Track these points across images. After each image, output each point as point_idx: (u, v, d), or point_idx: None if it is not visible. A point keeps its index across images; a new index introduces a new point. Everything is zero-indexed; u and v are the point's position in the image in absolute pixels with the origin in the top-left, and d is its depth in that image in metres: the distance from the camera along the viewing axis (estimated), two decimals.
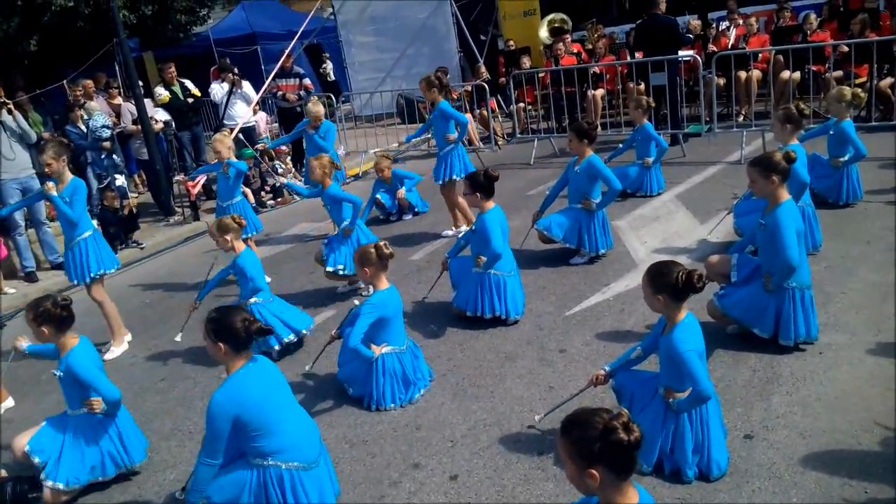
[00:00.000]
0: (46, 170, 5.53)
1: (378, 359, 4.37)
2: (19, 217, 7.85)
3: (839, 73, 9.82)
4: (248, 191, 9.87)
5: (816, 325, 4.47)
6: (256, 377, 3.25)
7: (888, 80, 9.43)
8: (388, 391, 4.42)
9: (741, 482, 3.39)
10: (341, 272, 6.08)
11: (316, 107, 8.21)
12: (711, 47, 11.41)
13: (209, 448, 3.18)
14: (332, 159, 6.43)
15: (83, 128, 9.46)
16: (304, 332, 5.32)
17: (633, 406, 3.68)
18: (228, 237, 5.16)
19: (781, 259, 4.27)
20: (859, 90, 6.85)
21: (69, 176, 5.60)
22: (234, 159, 6.83)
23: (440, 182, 7.37)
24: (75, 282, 5.74)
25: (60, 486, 3.84)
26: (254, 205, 10.19)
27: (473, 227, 5.41)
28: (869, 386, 3.99)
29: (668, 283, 3.31)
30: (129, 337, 6.10)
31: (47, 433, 3.94)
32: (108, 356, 5.80)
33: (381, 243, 4.45)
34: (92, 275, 5.66)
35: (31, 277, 7.97)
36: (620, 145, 8.72)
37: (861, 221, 6.34)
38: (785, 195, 4.37)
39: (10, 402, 5.23)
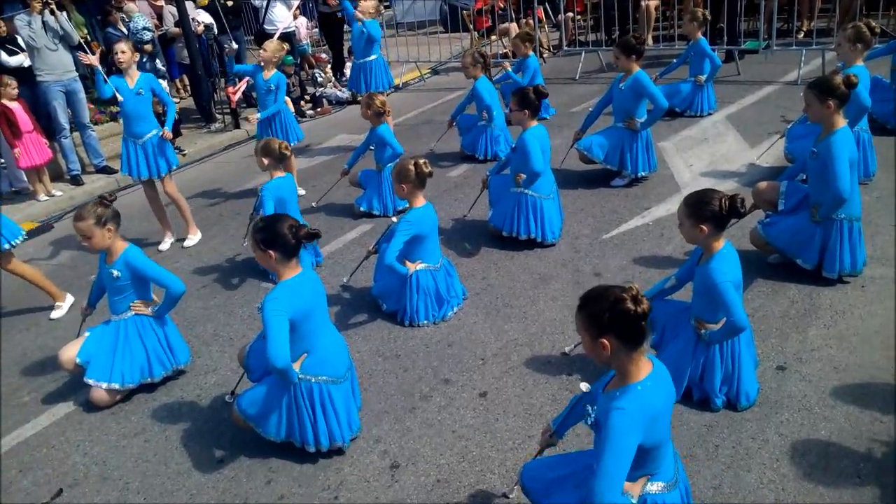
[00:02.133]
0: (120, 60, 5.66)
1: (412, 276, 4.41)
2: (64, 120, 7.93)
3: None
4: (288, 99, 9.79)
5: (864, 258, 4.35)
6: (305, 287, 3.32)
7: None
8: (421, 308, 4.48)
9: (770, 413, 3.40)
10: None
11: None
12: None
13: (273, 347, 3.12)
14: (384, 100, 6.30)
15: (124, 30, 9.39)
16: None
17: (664, 335, 3.67)
18: (266, 161, 5.12)
19: (832, 190, 4.11)
20: None
21: (136, 72, 5.83)
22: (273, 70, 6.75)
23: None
24: (146, 177, 5.95)
25: (116, 385, 4.01)
26: (294, 114, 10.18)
27: (514, 146, 5.31)
28: None
29: (712, 212, 3.20)
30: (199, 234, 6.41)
31: (93, 341, 4.09)
32: (187, 243, 6.25)
33: (422, 161, 4.40)
34: (171, 168, 6.01)
35: (76, 180, 8.13)
36: (674, 61, 8.36)
37: None
38: (841, 122, 4.16)
39: (69, 300, 5.44)
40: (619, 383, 2.31)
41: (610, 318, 2.21)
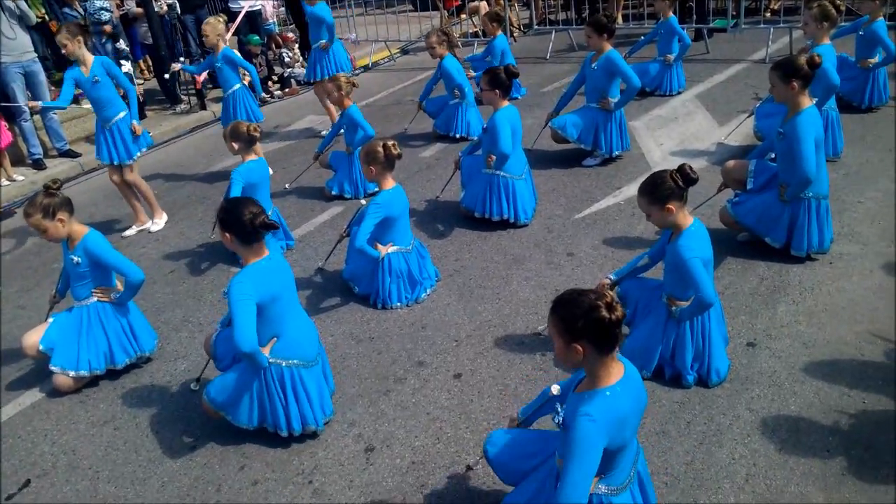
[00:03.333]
0: (63, 52, 5.51)
1: (384, 258, 4.37)
2: (23, 102, 7.70)
3: None
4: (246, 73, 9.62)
5: (831, 235, 4.41)
6: (272, 271, 3.26)
7: None
8: (393, 290, 4.45)
9: (741, 389, 3.44)
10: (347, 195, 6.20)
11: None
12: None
13: (240, 331, 3.08)
14: (349, 77, 6.20)
15: (80, 10, 9.11)
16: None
17: (637, 313, 3.69)
18: (236, 145, 5.00)
19: (798, 171, 4.15)
20: None
21: (90, 57, 5.55)
22: (227, 46, 6.63)
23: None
24: (116, 162, 5.79)
25: (83, 373, 3.94)
26: (260, 94, 10.00)
27: (485, 126, 5.27)
28: (876, 298, 3.97)
29: (670, 189, 3.22)
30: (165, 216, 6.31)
31: (56, 327, 4.00)
32: (153, 228, 6.14)
33: (391, 143, 4.35)
34: (139, 153, 5.90)
35: (38, 164, 7.91)
36: (641, 38, 8.36)
37: (885, 127, 6.15)
38: (806, 102, 4.19)
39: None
40: (589, 386, 2.30)
41: (584, 325, 2.20)
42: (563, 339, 2.25)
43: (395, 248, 4.42)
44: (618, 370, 2.30)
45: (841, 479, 2.88)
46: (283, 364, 3.31)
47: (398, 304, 4.48)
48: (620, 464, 2.38)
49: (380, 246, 4.38)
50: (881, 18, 6.23)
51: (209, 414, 3.49)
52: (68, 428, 3.77)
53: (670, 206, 3.25)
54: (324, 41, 7.56)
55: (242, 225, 3.16)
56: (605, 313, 2.18)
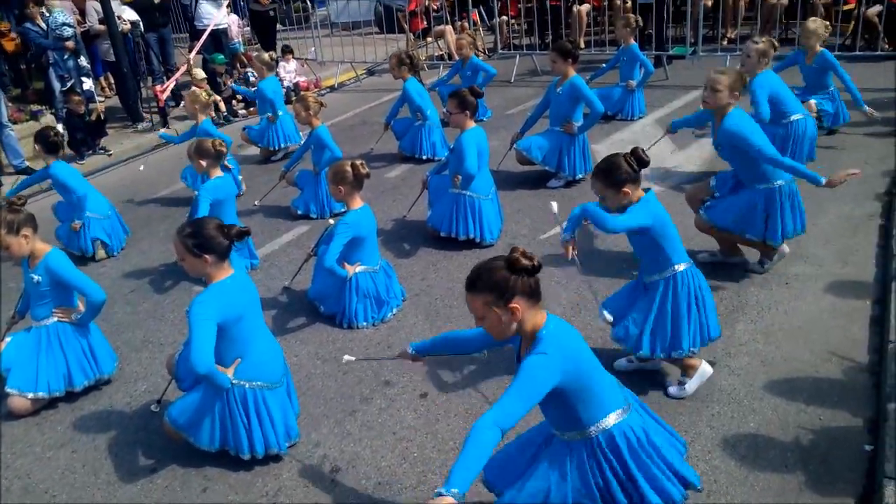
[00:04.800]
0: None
1: (351, 278, 4.36)
2: None
3: None
4: (218, 98, 9.58)
5: (804, 219, 4.51)
6: (237, 290, 3.23)
7: (876, 8, 9.28)
8: (360, 310, 4.44)
9: (702, 406, 3.50)
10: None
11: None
12: None
13: (196, 352, 3.04)
14: (316, 97, 6.23)
15: (43, 25, 8.98)
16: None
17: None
18: (204, 162, 4.96)
19: (762, 157, 4.18)
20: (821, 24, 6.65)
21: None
22: (207, 118, 6.58)
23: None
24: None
25: (41, 394, 3.85)
26: (225, 114, 9.96)
27: (452, 147, 5.32)
28: (831, 317, 4.09)
29: (627, 173, 3.26)
30: None
31: (14, 348, 3.91)
32: None
33: (359, 162, 4.37)
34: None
35: None
36: (604, 65, 8.54)
37: (837, 153, 6.36)
38: (730, 108, 4.23)
39: None
40: (529, 342, 2.41)
41: (514, 281, 2.31)
42: (498, 306, 2.33)
43: (362, 267, 4.42)
44: (543, 315, 2.42)
45: (799, 493, 2.94)
46: (247, 385, 3.28)
47: (364, 323, 4.47)
48: (607, 394, 2.50)
49: (347, 265, 4.37)
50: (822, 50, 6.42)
51: (170, 436, 3.42)
52: (23, 451, 3.67)
53: (626, 190, 3.32)
54: (269, 114, 7.77)
55: (217, 241, 3.13)
56: (526, 262, 2.32)
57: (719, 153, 4.50)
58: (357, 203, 4.41)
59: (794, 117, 5.73)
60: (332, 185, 4.38)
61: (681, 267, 3.47)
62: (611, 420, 2.47)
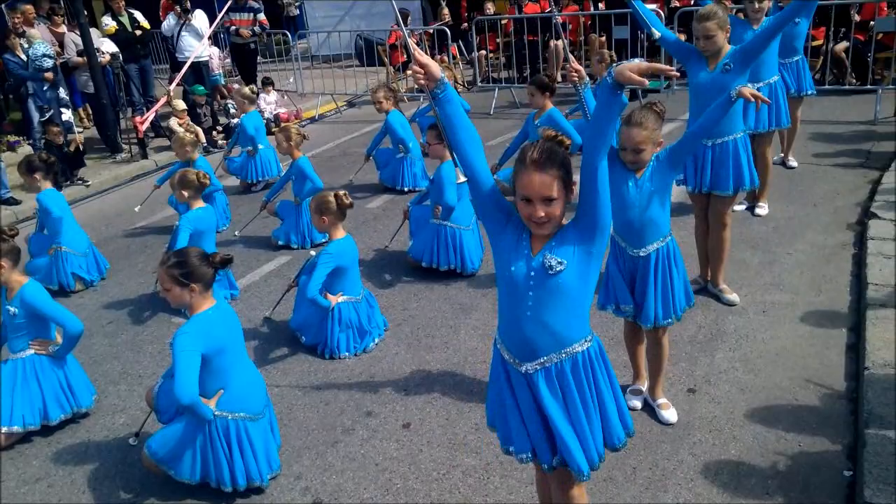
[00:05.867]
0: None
1: (334, 308, 4.36)
2: None
3: None
4: (199, 130, 9.59)
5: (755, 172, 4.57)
6: (220, 320, 3.23)
7: (843, 45, 9.57)
8: (342, 340, 4.43)
9: (683, 434, 3.52)
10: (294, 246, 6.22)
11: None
12: (675, 2, 11.38)
13: (180, 383, 3.02)
14: (299, 129, 6.27)
15: (23, 56, 8.97)
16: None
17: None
18: (186, 193, 4.97)
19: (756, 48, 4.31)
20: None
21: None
22: (201, 156, 6.60)
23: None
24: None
25: (16, 428, 3.78)
26: (205, 144, 9.96)
27: (432, 178, 5.37)
28: (808, 345, 4.15)
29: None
30: None
31: None
32: None
33: (342, 193, 4.40)
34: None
35: None
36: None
37: (809, 184, 6.51)
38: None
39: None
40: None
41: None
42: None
43: (345, 297, 4.42)
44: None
45: None
46: (230, 417, 3.25)
47: (346, 353, 4.45)
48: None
49: (330, 296, 4.37)
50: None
51: (150, 469, 3.37)
52: None
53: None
54: (249, 148, 7.89)
55: (202, 270, 3.16)
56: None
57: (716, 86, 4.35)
58: (340, 233, 4.42)
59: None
60: (316, 215, 4.40)
61: None
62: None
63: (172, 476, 3.30)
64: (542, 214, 2.21)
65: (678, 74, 3.80)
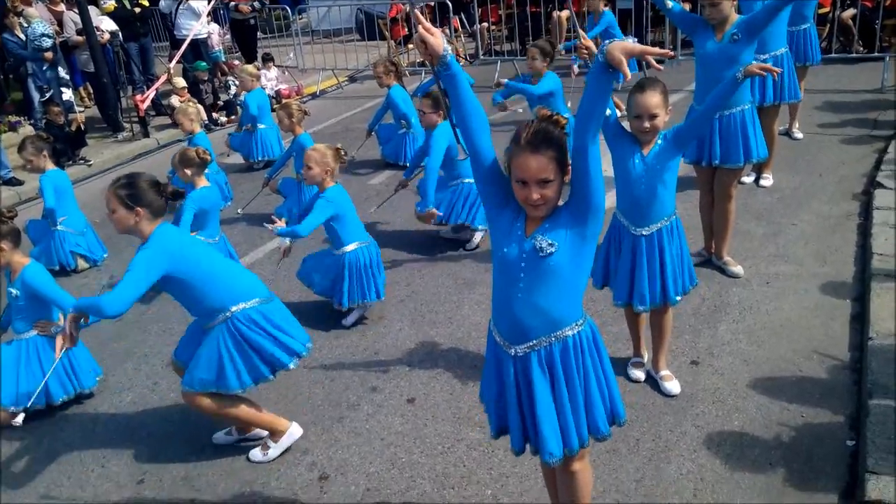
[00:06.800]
0: (28, 167, 5.69)
1: (347, 255, 4.39)
2: None
3: None
4: (199, 107, 9.53)
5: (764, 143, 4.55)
6: (178, 233, 3.29)
7: (850, 12, 9.43)
8: (356, 288, 4.44)
9: (686, 406, 3.54)
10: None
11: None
12: None
13: (121, 295, 2.98)
14: (300, 105, 6.23)
15: (22, 36, 8.92)
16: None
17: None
18: (189, 171, 4.95)
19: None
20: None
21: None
22: (201, 130, 6.55)
23: None
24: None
25: (11, 408, 3.79)
26: (206, 122, 9.92)
27: (427, 145, 5.33)
28: (812, 316, 4.15)
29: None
30: None
31: None
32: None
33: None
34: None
35: None
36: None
37: (815, 154, 6.45)
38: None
39: None
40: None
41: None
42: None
43: (355, 244, 4.43)
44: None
45: (783, 490, 2.98)
46: (247, 306, 3.25)
47: (362, 301, 4.46)
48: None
49: (346, 247, 4.41)
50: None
51: (199, 408, 3.32)
52: (6, 465, 3.63)
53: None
54: (248, 125, 7.86)
55: (153, 197, 3.15)
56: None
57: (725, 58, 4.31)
58: (330, 182, 4.41)
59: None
60: (318, 168, 4.34)
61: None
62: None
63: (225, 394, 3.27)
64: (538, 197, 2.20)
65: (672, 54, 3.70)
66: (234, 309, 3.22)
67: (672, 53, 2.87)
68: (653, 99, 3.25)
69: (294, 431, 3.53)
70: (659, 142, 3.36)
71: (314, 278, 4.61)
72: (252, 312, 3.25)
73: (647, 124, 3.28)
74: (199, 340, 3.32)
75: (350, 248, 4.42)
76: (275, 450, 3.47)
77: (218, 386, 3.26)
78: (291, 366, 3.33)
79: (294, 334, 3.37)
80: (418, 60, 12.41)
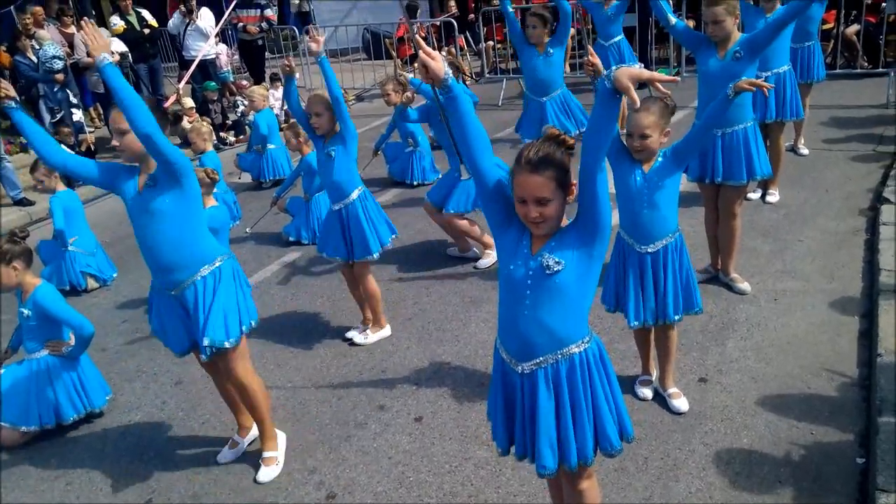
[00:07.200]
0: (39, 188, 5.80)
1: (352, 205, 4.61)
2: None
3: None
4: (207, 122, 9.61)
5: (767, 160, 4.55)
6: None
7: (854, 28, 9.47)
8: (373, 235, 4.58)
9: (695, 423, 3.52)
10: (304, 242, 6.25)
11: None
12: None
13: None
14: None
15: (33, 58, 9.05)
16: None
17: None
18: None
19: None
20: None
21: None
22: (212, 149, 6.61)
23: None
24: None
25: (34, 428, 3.85)
26: (215, 142, 10.00)
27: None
28: (820, 332, 4.14)
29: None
30: None
31: (6, 380, 3.90)
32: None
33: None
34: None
35: None
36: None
37: (821, 170, 6.46)
38: None
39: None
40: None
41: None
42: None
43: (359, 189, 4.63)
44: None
45: None
46: (228, 257, 3.39)
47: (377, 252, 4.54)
48: None
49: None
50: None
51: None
52: (17, 485, 3.64)
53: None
54: (258, 146, 7.99)
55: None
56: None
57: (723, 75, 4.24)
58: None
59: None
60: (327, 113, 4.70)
61: None
62: None
63: (244, 333, 3.34)
64: (536, 214, 2.22)
65: (678, 80, 3.68)
66: (220, 258, 3.34)
67: (678, 79, 2.86)
68: (646, 119, 3.27)
69: (280, 437, 3.65)
70: (659, 158, 3.38)
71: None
72: (233, 262, 3.43)
73: (636, 143, 3.32)
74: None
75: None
76: (279, 461, 3.56)
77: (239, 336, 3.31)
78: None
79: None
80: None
